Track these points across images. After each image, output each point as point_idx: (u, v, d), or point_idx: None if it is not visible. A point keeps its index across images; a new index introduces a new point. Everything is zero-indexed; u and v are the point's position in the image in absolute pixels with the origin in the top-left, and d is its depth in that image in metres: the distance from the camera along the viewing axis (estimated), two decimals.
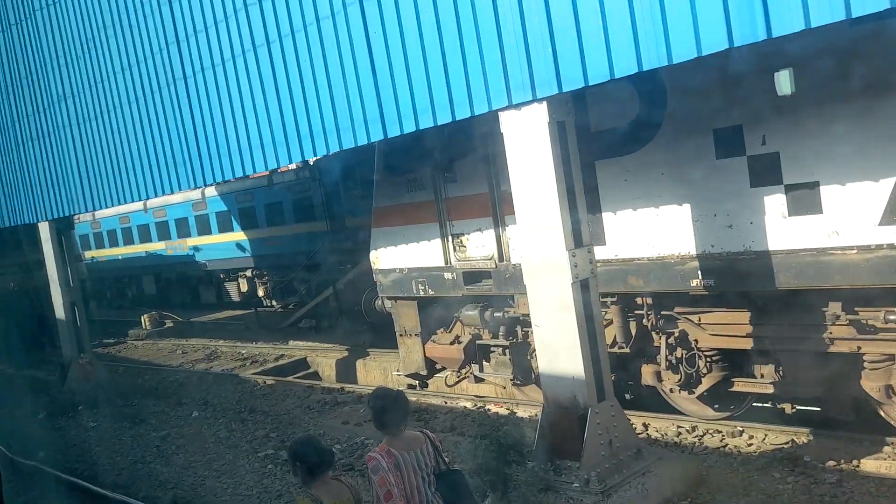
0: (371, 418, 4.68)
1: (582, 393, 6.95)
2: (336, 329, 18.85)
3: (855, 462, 7.32)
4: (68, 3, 12.49)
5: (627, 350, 8.75)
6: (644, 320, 8.66)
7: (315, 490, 4.29)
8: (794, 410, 8.33)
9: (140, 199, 12.58)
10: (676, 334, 8.48)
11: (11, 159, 15.18)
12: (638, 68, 6.11)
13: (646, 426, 9.10)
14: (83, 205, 13.55)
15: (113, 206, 13.25)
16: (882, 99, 6.49)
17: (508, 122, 7.09)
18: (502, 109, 7.08)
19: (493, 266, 9.70)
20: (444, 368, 11.89)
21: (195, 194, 24.54)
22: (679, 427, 8.92)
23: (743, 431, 8.47)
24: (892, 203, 6.50)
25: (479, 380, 11.17)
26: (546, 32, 6.55)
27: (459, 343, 10.69)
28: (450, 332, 10.95)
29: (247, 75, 9.58)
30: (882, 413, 7.61)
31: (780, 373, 7.96)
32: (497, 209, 9.56)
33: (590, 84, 6.44)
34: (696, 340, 8.35)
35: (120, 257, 30.17)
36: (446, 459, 4.66)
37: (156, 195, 11.94)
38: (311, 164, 21.13)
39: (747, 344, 7.99)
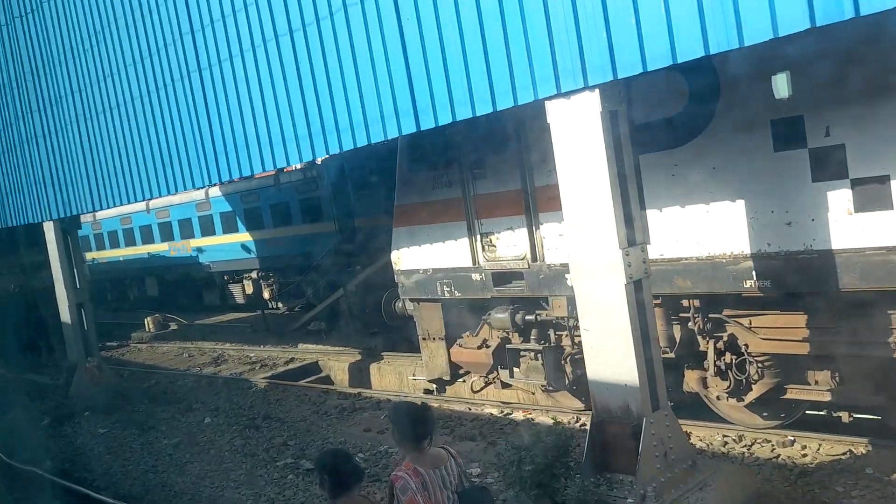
0: (393, 434, 4.54)
1: (635, 401, 6.49)
2: (347, 332, 18.42)
3: None
4: None
5: (672, 355, 8.28)
6: (690, 323, 8.21)
7: None
8: (851, 419, 7.88)
9: (152, 198, 12.11)
10: (725, 338, 8.03)
11: (15, 157, 14.68)
12: (704, 52, 5.66)
13: (688, 435, 8.63)
14: (91, 203, 13.05)
15: (122, 204, 12.77)
16: None
17: (556, 113, 6.64)
18: (549, 98, 6.63)
19: (526, 266, 9.25)
20: (467, 373, 11.44)
21: (199, 194, 24.06)
22: (725, 436, 8.48)
23: (795, 441, 8.03)
24: None
25: (505, 385, 10.71)
26: (600, 14, 6.10)
27: (488, 347, 10.22)
28: (476, 335, 10.48)
29: (268, 66, 9.10)
30: None
31: (837, 379, 7.52)
32: (531, 206, 9.11)
33: (648, 70, 6.00)
34: (747, 345, 7.90)
35: (121, 259, 29.67)
36: (469, 476, 4.53)
37: (168, 193, 11.46)
38: (320, 163, 20.67)
39: (803, 349, 7.54)
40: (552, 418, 9.22)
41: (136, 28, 10.96)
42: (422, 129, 7.75)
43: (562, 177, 6.74)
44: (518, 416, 10.24)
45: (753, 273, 7.32)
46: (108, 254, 30.23)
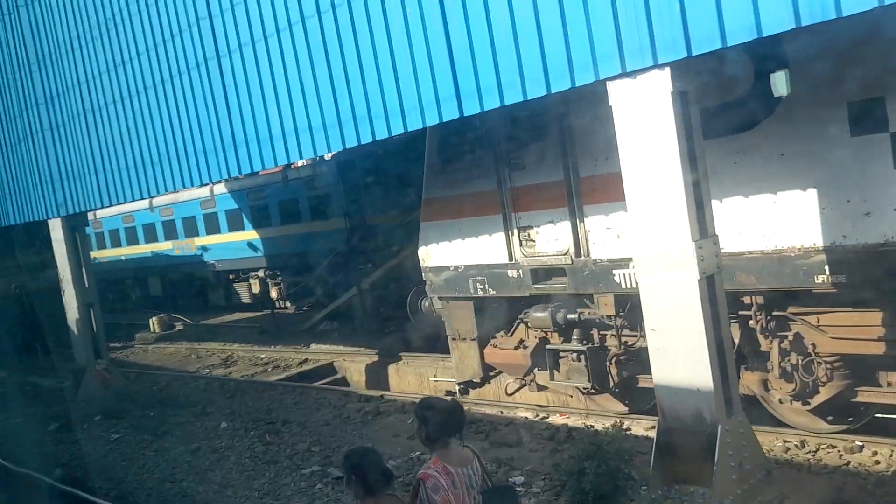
0: (420, 430, 4.26)
1: (709, 407, 5.99)
2: (361, 331, 17.90)
3: None
4: None
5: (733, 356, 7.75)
6: (751, 321, 7.68)
7: None
8: None
9: (165, 192, 11.61)
10: (790, 338, 7.51)
11: (20, 151, 14.12)
12: (795, 23, 5.15)
13: None
14: (100, 199, 12.51)
15: (134, 200, 12.25)
16: None
17: (619, 94, 6.14)
18: (612, 79, 6.12)
19: (569, 262, 8.71)
20: (494, 376, 10.91)
21: (203, 192, 23.50)
22: (786, 441, 7.95)
23: (863, 447, 7.50)
24: None
25: (541, 388, 10.17)
26: None
27: (525, 348, 9.69)
28: (511, 335, 9.95)
29: (293, 51, 8.58)
30: None
31: None
32: (574, 198, 8.59)
33: (728, 45, 5.49)
34: (814, 345, 7.38)
35: (123, 258, 29.10)
36: (491, 476, 4.37)
37: (183, 187, 10.96)
38: (329, 158, 20.11)
39: (878, 348, 7.02)
40: (614, 423, 8.63)
41: (150, 13, 10.43)
42: (465, 115, 7.24)
43: (625, 164, 6.23)
44: (557, 420, 9.72)
45: (826, 267, 6.80)
46: (110, 253, 29.65)
